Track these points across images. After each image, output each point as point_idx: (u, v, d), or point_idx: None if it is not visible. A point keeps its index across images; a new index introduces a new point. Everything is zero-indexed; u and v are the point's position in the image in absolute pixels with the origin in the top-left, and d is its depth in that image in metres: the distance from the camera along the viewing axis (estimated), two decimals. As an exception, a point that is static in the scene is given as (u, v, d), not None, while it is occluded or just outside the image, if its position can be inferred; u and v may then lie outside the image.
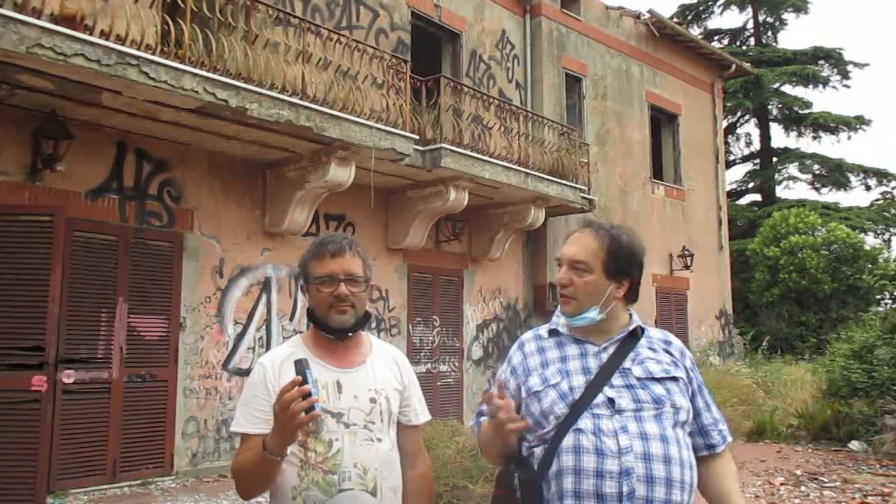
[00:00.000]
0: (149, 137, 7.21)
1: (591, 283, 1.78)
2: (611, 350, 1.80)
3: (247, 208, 8.08)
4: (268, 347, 8.07)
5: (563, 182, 10.59)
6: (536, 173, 10.08)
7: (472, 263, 10.84)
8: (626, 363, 1.77)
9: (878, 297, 17.47)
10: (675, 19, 22.68)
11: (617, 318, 1.83)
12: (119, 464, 6.68)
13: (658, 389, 1.74)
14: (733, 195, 24.90)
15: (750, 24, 26.03)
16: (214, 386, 7.57)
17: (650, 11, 14.40)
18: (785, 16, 25.58)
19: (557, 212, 11.38)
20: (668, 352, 1.84)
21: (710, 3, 25.87)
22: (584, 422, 1.70)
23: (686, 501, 1.68)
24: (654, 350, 1.83)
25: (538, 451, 1.76)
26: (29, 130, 6.35)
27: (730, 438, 1.87)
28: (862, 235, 19.17)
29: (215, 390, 7.57)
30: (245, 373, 7.76)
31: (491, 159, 9.39)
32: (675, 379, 1.78)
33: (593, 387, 1.74)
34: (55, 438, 6.27)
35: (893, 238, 23.49)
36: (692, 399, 1.81)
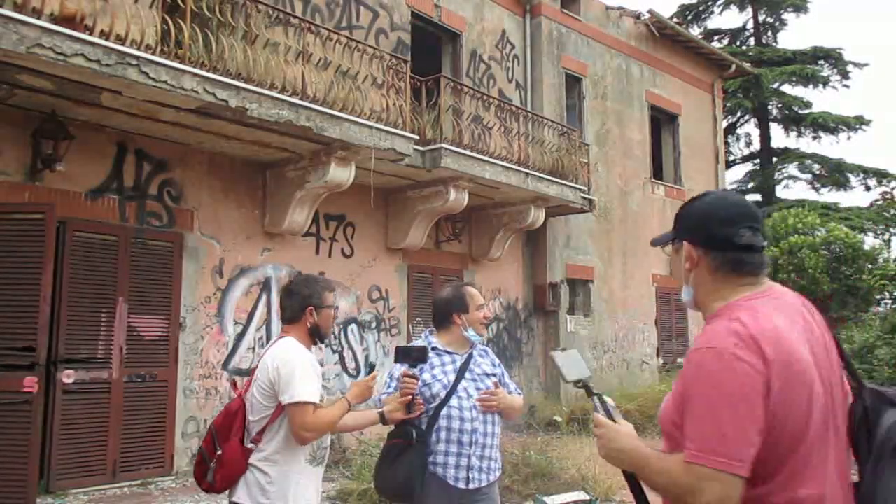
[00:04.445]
0: (149, 137, 7.21)
1: None
2: (465, 357, 3.10)
3: (247, 208, 8.07)
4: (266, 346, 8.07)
5: (563, 182, 10.59)
6: (536, 173, 10.07)
7: (472, 263, 10.84)
8: (472, 365, 3.09)
9: (878, 297, 17.43)
10: (674, 19, 22.68)
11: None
12: (119, 464, 6.68)
13: (488, 381, 3.07)
14: (733, 195, 24.86)
15: (750, 24, 26.02)
16: (214, 386, 7.57)
17: (650, 11, 14.39)
18: (785, 16, 25.56)
19: (557, 212, 11.38)
20: (488, 355, 3.21)
21: (709, 3, 25.85)
22: (454, 401, 2.98)
23: (498, 445, 3.06)
24: (482, 356, 3.17)
25: (424, 418, 2.96)
26: (29, 130, 6.35)
27: (520, 391, 3.27)
28: (861, 236, 19.13)
29: (215, 390, 7.57)
30: (245, 373, 7.76)
31: (491, 159, 9.39)
32: (495, 374, 3.14)
33: (457, 380, 3.01)
34: (55, 438, 6.28)
35: (893, 238, 23.47)
36: (501, 377, 3.16)
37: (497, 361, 3.24)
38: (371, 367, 2.89)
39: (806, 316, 1.51)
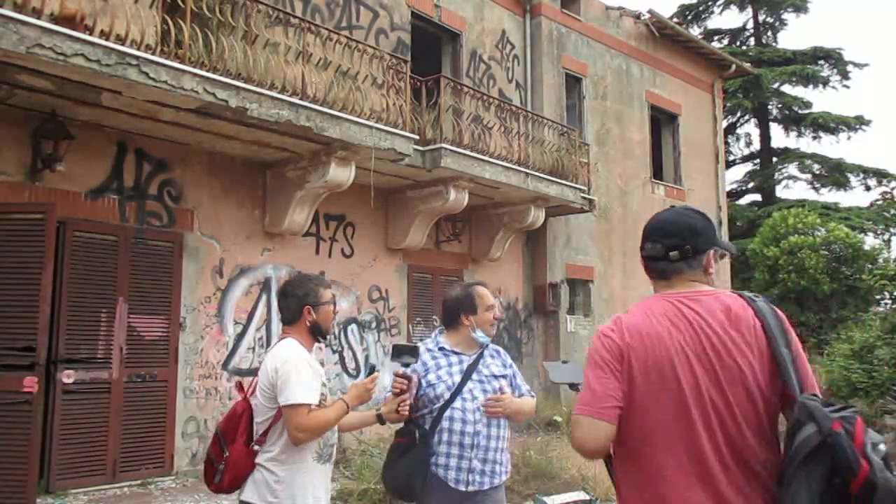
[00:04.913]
0: (149, 137, 7.21)
1: None
2: (473, 358, 3.05)
3: (247, 208, 8.07)
4: (268, 348, 8.07)
5: (563, 182, 10.59)
6: (536, 173, 10.07)
7: (472, 263, 10.84)
8: (480, 366, 3.04)
9: (878, 297, 17.43)
10: (674, 19, 22.68)
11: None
12: (119, 464, 6.68)
13: (495, 383, 3.02)
14: (733, 195, 24.88)
15: (750, 24, 26.03)
16: (214, 386, 7.57)
17: (650, 11, 14.40)
18: (785, 16, 25.57)
19: (557, 212, 11.38)
20: (500, 356, 3.15)
21: (709, 2, 25.85)
22: (457, 402, 2.94)
23: (505, 448, 3.03)
24: (492, 357, 3.12)
25: (428, 418, 2.96)
26: (29, 130, 6.35)
27: (533, 394, 3.21)
28: (861, 235, 19.12)
29: (215, 390, 7.56)
30: (245, 373, 7.77)
31: (491, 159, 9.39)
32: (505, 376, 3.09)
33: (462, 381, 2.98)
34: (55, 438, 6.28)
35: (893, 238, 23.47)
36: (513, 379, 3.13)
37: (509, 362, 3.19)
38: (371, 369, 2.85)
39: (713, 319, 1.73)
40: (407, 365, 2.88)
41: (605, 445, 1.74)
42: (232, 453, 2.65)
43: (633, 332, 1.75)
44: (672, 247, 1.84)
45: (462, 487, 2.89)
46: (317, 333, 2.80)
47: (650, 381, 1.70)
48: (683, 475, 1.66)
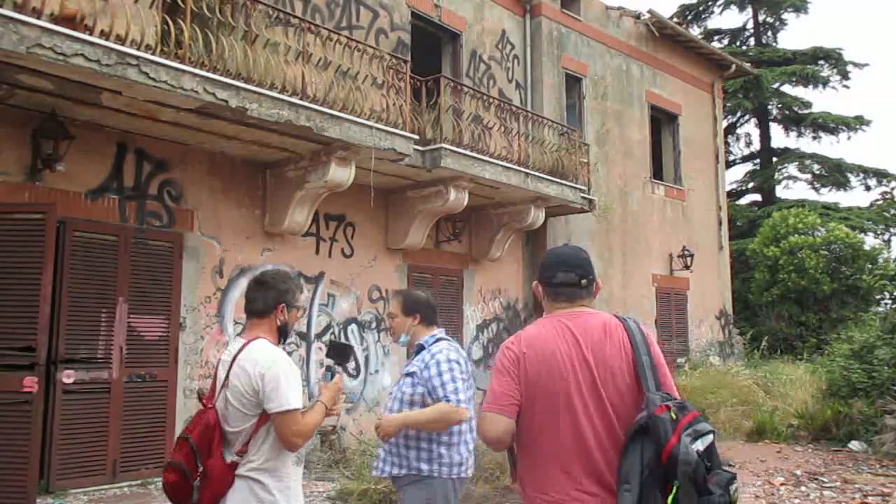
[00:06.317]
0: (149, 137, 7.21)
1: (398, 321, 3.33)
2: (412, 359, 3.26)
3: (247, 208, 8.07)
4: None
5: (563, 182, 10.59)
6: (536, 173, 10.07)
7: (472, 263, 10.84)
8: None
9: (878, 297, 17.43)
10: (674, 19, 22.65)
11: (418, 337, 3.27)
12: (119, 464, 6.68)
13: (403, 382, 3.19)
14: (733, 195, 24.86)
15: (750, 24, 26.01)
16: (214, 386, 7.56)
17: (650, 11, 14.40)
18: (785, 16, 25.53)
19: (557, 212, 11.38)
20: (424, 352, 3.18)
21: (709, 2, 25.83)
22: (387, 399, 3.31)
23: (419, 446, 3.08)
24: (417, 354, 3.21)
25: None
26: (29, 130, 6.35)
27: (450, 399, 3.03)
28: (862, 235, 19.12)
29: (215, 390, 7.56)
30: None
31: (491, 159, 9.39)
32: (410, 374, 3.17)
33: (399, 380, 3.26)
34: (55, 438, 6.28)
35: (893, 238, 23.46)
36: (427, 382, 3.08)
37: (431, 361, 3.11)
38: (332, 373, 2.78)
39: (594, 333, 2.17)
40: (341, 364, 2.90)
41: (503, 436, 2.16)
42: (212, 469, 2.45)
43: (529, 343, 2.19)
44: (582, 276, 2.27)
45: (373, 471, 3.31)
46: (283, 335, 2.69)
47: (542, 382, 2.13)
48: (567, 455, 2.10)
